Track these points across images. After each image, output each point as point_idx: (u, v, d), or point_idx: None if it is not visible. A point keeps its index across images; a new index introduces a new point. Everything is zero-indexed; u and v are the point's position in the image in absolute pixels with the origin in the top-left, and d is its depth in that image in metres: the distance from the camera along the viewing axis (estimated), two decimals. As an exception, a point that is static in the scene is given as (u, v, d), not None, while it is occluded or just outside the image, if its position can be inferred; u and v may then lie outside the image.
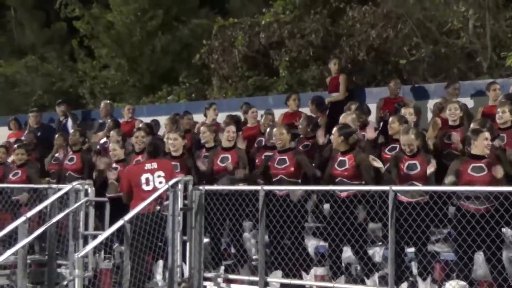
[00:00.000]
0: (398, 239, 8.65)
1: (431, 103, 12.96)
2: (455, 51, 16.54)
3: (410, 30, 16.58)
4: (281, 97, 14.98)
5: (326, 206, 10.27)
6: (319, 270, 9.90)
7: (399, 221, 8.62)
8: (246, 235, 10.76)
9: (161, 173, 9.95)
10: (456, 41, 16.37)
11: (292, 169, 10.33)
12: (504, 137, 10.30)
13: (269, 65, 19.11)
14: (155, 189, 9.82)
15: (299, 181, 10.39)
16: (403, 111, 11.28)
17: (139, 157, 11.47)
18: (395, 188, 8.51)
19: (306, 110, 13.46)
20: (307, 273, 9.81)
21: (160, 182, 9.89)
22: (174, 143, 11.18)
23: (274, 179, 10.39)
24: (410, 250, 9.27)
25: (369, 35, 17.00)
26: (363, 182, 9.55)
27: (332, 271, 9.58)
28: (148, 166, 10.05)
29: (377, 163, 9.35)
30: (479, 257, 8.71)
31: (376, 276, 9.37)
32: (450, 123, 11.06)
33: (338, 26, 18.03)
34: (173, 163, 10.93)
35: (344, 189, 9.57)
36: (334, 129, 9.94)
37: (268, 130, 11.53)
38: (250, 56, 19.39)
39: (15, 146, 13.10)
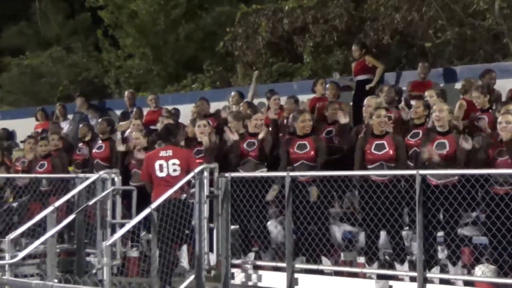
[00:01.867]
0: (426, 224, 8.58)
1: (458, 86, 12.85)
2: (481, 32, 16.38)
3: (435, 12, 16.44)
4: (305, 82, 14.91)
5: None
6: (348, 256, 9.87)
7: (426, 204, 8.57)
8: (272, 222, 10.73)
9: (176, 161, 9.92)
10: (482, 23, 16.20)
11: (313, 153, 10.30)
12: (479, 139, 10.08)
13: (293, 51, 19.05)
14: (169, 176, 9.84)
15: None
16: (426, 93, 11.16)
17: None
18: (422, 172, 8.46)
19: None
20: (328, 258, 9.77)
21: (175, 170, 9.88)
22: (203, 129, 11.21)
23: (295, 164, 10.36)
24: (439, 234, 9.20)
25: (393, 19, 16.88)
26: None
27: (368, 257, 9.51)
28: (163, 153, 10.04)
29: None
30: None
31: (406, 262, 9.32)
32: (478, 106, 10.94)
33: (362, 10, 17.92)
34: (197, 148, 11.00)
35: (372, 173, 9.52)
36: (377, 111, 9.89)
37: (291, 115, 11.42)
38: (274, 42, 19.34)
39: (39, 137, 13.17)
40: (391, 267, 9.40)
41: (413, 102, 11.42)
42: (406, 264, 9.33)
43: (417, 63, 13.79)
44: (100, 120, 13.56)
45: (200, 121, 11.52)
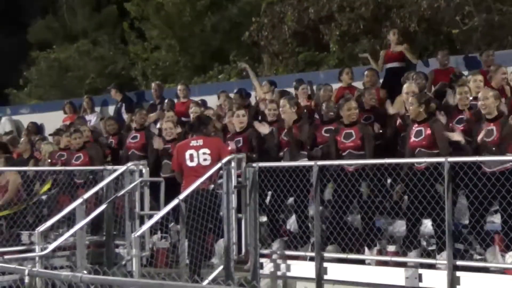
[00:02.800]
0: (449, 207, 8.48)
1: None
2: (510, 18, 16.18)
3: (462, -2, 16.31)
4: (332, 72, 14.84)
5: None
6: (391, 247, 9.73)
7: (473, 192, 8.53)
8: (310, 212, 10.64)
9: (207, 151, 9.95)
10: (510, 8, 16.00)
11: (359, 142, 10.17)
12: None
13: (319, 40, 18.99)
14: (199, 165, 9.87)
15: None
16: (472, 78, 10.97)
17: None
18: (450, 159, 8.40)
19: (359, 84, 13.28)
20: (370, 248, 9.70)
21: (205, 159, 9.91)
22: (242, 119, 11.22)
23: (343, 154, 10.24)
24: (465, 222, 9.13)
25: (420, 6, 16.76)
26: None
27: (405, 246, 9.41)
28: (193, 143, 10.07)
29: (457, 136, 9.16)
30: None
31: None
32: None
33: (388, -3, 17.81)
34: (237, 138, 11.00)
35: (398, 161, 9.46)
36: (412, 99, 9.75)
37: (325, 104, 11.33)
38: (300, 32, 19.28)
39: (72, 130, 13.25)
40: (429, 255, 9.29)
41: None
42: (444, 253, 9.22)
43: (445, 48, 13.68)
44: (137, 110, 13.63)
45: (238, 110, 11.48)
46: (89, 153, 12.60)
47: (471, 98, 10.27)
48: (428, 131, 9.42)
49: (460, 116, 10.26)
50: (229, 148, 10.61)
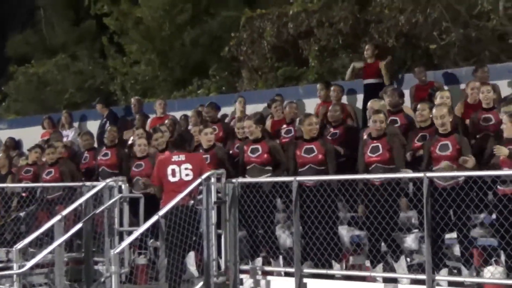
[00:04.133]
0: (434, 226, 8.57)
1: (462, 87, 12.83)
2: (486, 33, 16.31)
3: (439, 14, 16.40)
4: (311, 86, 14.90)
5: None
6: (357, 259, 9.86)
7: (434, 207, 8.56)
8: (279, 227, 10.73)
9: (188, 166, 9.95)
10: (486, 24, 16.14)
11: (320, 157, 10.30)
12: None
13: (298, 55, 19.03)
14: (181, 181, 9.86)
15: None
16: (439, 95, 11.09)
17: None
18: (429, 174, 8.45)
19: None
20: (337, 262, 9.75)
21: (187, 175, 9.91)
22: (210, 137, 11.25)
23: (301, 169, 10.36)
24: (450, 236, 9.19)
25: (398, 21, 16.85)
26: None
27: (370, 260, 9.53)
28: (175, 158, 10.08)
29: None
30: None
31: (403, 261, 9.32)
32: (484, 105, 10.91)
33: (366, 13, 17.88)
34: (204, 156, 11.00)
35: (376, 177, 9.51)
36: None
37: (298, 119, 11.44)
38: (279, 47, 19.33)
39: (46, 145, 13.21)
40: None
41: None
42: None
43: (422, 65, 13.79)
44: (109, 127, 13.58)
45: (206, 128, 11.52)
46: (60, 169, 12.55)
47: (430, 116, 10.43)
48: (385, 147, 9.72)
49: (422, 133, 10.38)
50: None
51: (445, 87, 12.86)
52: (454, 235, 9.15)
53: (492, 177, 8.65)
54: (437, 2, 16.31)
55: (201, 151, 11.35)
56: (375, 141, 9.87)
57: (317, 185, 9.77)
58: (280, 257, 10.31)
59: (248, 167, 10.85)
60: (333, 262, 9.74)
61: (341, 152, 11.15)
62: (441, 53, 16.58)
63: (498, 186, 8.71)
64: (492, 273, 8.56)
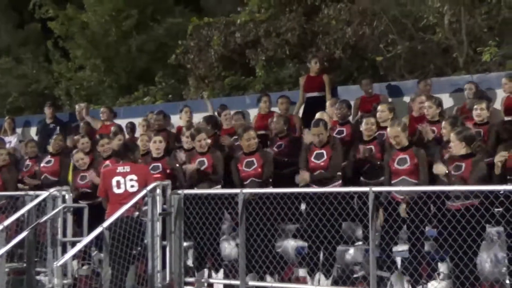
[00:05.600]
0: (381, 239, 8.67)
1: (407, 100, 13.02)
2: (431, 47, 16.54)
3: (386, 26, 16.57)
4: (257, 96, 14.90)
5: (303, 206, 10.27)
6: (301, 272, 9.89)
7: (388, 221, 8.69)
8: (225, 238, 10.71)
9: (134, 177, 9.89)
10: (432, 37, 16.36)
11: (260, 170, 10.36)
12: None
13: (245, 64, 19.03)
14: (126, 192, 9.79)
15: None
16: (379, 108, 11.26)
17: (107, 162, 11.42)
18: (375, 189, 8.52)
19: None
20: (276, 275, 9.78)
21: (132, 186, 9.85)
22: (159, 146, 11.16)
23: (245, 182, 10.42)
24: (401, 248, 9.28)
25: (345, 33, 16.97)
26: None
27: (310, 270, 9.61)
28: (120, 169, 10.00)
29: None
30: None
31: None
32: (429, 119, 11.04)
33: (313, 24, 17.95)
34: (153, 164, 10.91)
35: (321, 190, 9.57)
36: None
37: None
38: (226, 56, 19.29)
39: None
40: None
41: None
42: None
43: (369, 77, 13.92)
44: (56, 135, 13.41)
45: (155, 136, 11.45)
46: (2, 177, 12.35)
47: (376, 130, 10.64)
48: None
49: (369, 146, 10.48)
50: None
51: (389, 99, 13.05)
52: (400, 247, 9.25)
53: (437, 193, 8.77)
54: (384, 15, 16.47)
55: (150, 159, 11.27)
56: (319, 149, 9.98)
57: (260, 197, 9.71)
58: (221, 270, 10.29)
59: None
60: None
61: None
62: (387, 65, 16.74)
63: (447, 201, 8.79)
64: (436, 287, 8.66)
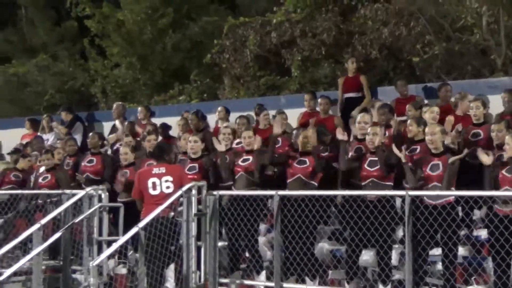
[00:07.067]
0: (416, 243, 8.57)
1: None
2: (469, 48, 16.40)
3: (422, 27, 16.48)
4: (293, 96, 14.88)
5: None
6: (336, 274, 9.83)
7: (416, 225, 8.56)
8: (261, 239, 10.68)
9: (169, 178, 9.90)
10: (469, 38, 16.23)
11: (310, 169, 10.24)
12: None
13: (281, 64, 19.03)
14: (162, 193, 9.80)
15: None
16: (428, 111, 11.01)
17: (151, 161, 11.43)
18: (411, 193, 8.44)
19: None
20: (315, 278, 9.71)
21: (168, 187, 9.86)
22: (194, 145, 11.16)
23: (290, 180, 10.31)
24: (436, 252, 9.18)
25: (381, 33, 16.91)
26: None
27: (349, 276, 9.51)
28: (155, 170, 10.02)
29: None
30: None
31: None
32: (474, 121, 10.81)
33: (349, 24, 17.92)
34: (191, 165, 10.94)
35: (361, 193, 9.49)
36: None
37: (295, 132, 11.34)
38: (262, 56, 19.32)
39: (43, 151, 13.12)
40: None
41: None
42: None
43: (405, 78, 13.81)
44: (91, 134, 13.46)
45: (191, 136, 11.46)
46: (56, 175, 12.45)
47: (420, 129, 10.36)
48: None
49: (414, 146, 10.32)
50: None
51: (425, 101, 12.90)
52: (437, 251, 9.15)
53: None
54: (421, 15, 16.36)
55: (188, 160, 11.27)
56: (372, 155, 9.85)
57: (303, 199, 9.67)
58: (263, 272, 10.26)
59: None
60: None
61: None
62: (423, 66, 16.63)
63: (497, 206, 8.68)
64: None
